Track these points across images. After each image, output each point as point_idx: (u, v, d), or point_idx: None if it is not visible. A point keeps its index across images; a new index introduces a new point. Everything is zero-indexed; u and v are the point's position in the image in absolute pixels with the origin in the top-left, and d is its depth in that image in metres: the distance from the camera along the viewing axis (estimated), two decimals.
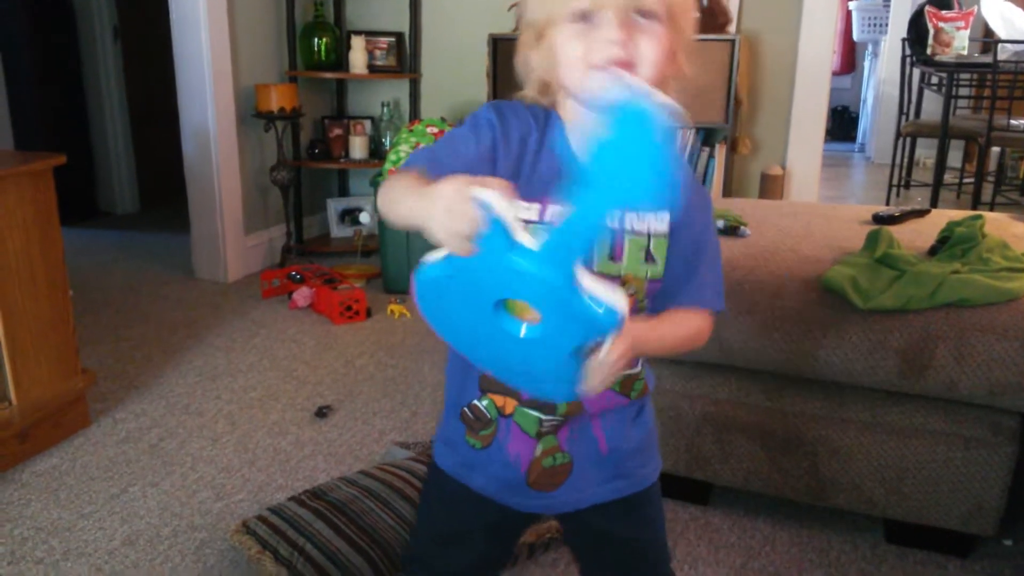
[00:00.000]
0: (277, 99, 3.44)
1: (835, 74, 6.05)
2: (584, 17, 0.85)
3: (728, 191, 3.44)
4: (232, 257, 3.56)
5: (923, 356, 1.56)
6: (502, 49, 3.28)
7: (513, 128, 0.91)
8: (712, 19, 3.32)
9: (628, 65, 0.85)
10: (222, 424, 2.30)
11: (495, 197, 0.69)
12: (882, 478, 1.67)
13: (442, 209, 0.70)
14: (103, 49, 4.64)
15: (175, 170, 3.64)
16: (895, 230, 1.94)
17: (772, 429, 1.73)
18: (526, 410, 0.98)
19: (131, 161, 4.87)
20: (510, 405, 0.99)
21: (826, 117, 3.52)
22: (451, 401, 1.05)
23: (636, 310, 0.95)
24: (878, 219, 2.12)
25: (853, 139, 7.36)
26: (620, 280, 0.94)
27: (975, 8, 4.70)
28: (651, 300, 0.97)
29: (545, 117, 0.93)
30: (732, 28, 3.38)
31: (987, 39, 4.93)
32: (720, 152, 3.34)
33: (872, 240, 1.79)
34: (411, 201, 0.76)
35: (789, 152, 3.50)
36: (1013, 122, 4.03)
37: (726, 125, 3.30)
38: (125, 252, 4.03)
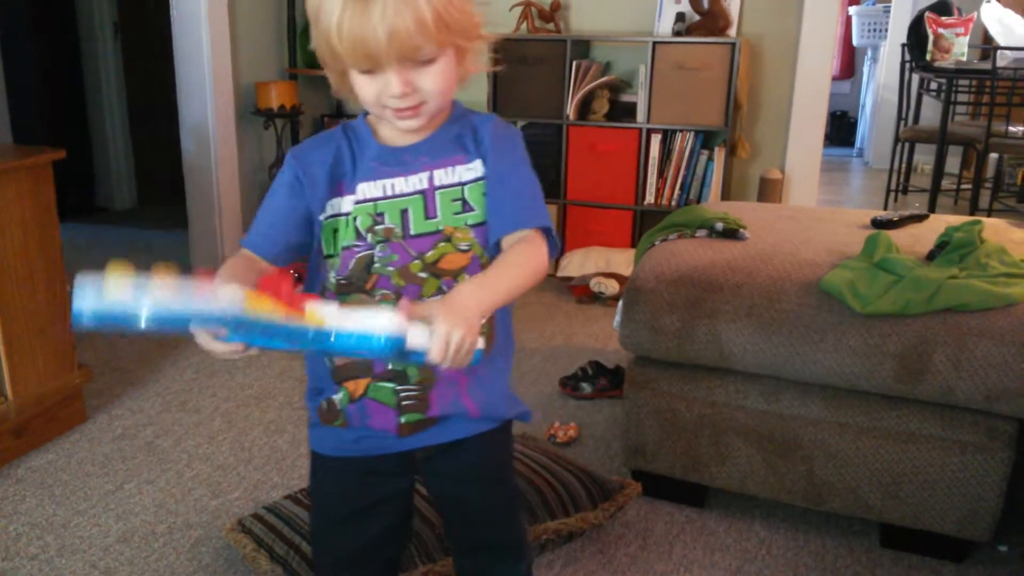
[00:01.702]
0: (277, 97, 3.44)
1: (834, 79, 6.05)
2: (370, 71, 0.93)
3: (727, 194, 3.45)
4: (230, 254, 3.54)
5: (920, 361, 1.56)
6: (502, 49, 3.28)
7: (314, 161, 1.02)
8: (713, 22, 3.33)
9: (415, 108, 0.95)
10: (218, 422, 2.29)
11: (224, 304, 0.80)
12: (878, 482, 1.67)
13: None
14: (103, 45, 4.64)
15: (174, 167, 3.64)
16: (894, 235, 1.94)
17: (769, 432, 1.73)
18: (380, 384, 1.04)
19: (130, 157, 4.87)
20: (362, 386, 1.05)
21: (825, 121, 3.52)
22: (310, 390, 1.11)
23: (479, 265, 1.01)
24: (877, 223, 2.12)
25: (852, 144, 7.37)
26: (441, 234, 1.01)
27: (975, 15, 4.70)
28: (487, 246, 1.02)
29: (352, 126, 1.05)
30: (732, 31, 3.39)
31: (986, 46, 4.94)
32: (719, 155, 3.35)
33: (871, 244, 1.79)
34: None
35: (788, 156, 3.51)
36: (1011, 128, 4.03)
37: (725, 128, 3.30)
38: (123, 248, 4.03)
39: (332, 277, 1.03)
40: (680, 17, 3.41)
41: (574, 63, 3.41)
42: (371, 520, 1.14)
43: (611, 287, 3.19)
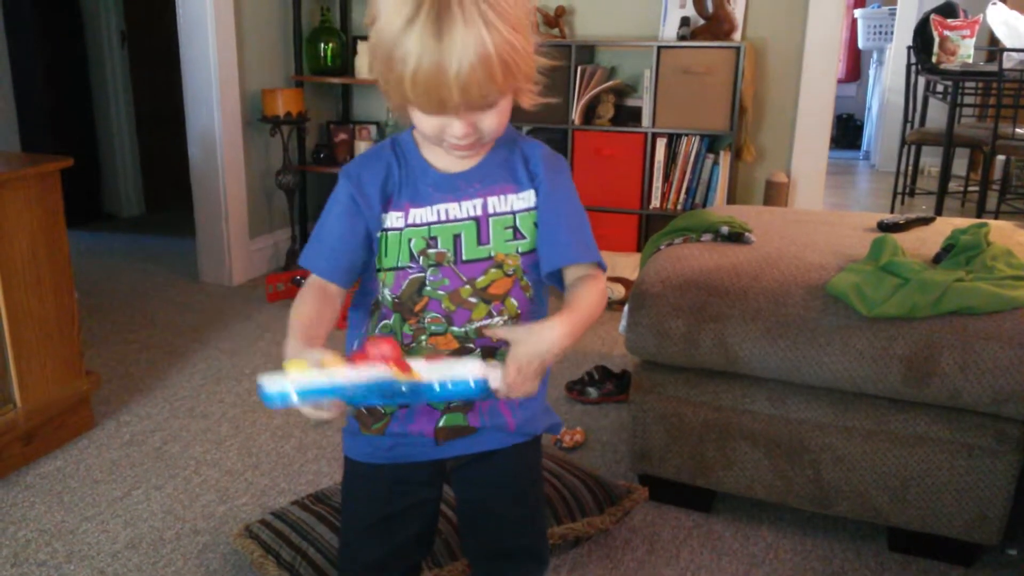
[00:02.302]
0: (283, 104, 3.45)
1: (840, 82, 6.04)
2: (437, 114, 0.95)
3: (732, 198, 3.44)
4: (237, 261, 3.56)
5: (927, 364, 1.55)
6: None
7: (366, 181, 1.04)
8: (717, 26, 3.33)
9: (472, 144, 0.98)
10: (226, 428, 2.30)
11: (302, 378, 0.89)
12: (886, 486, 1.67)
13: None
14: (110, 53, 4.67)
15: (180, 174, 3.65)
16: (900, 238, 1.94)
17: (776, 436, 1.73)
18: None
19: (136, 164, 4.89)
20: None
21: (831, 125, 3.52)
22: None
23: (519, 287, 1.05)
24: (883, 226, 2.12)
25: (858, 147, 7.36)
26: (492, 260, 1.04)
27: (980, 17, 4.70)
28: (531, 272, 1.06)
29: (400, 143, 1.07)
30: (737, 35, 3.39)
31: (992, 47, 4.93)
32: (725, 159, 3.34)
33: (877, 247, 1.78)
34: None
35: (794, 159, 3.51)
36: (1018, 131, 4.02)
37: (731, 132, 3.30)
38: (130, 255, 4.04)
39: (387, 294, 1.06)
40: (685, 21, 3.41)
41: (579, 68, 3.42)
42: (398, 527, 1.15)
43: (617, 291, 3.19)
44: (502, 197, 1.04)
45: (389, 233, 1.04)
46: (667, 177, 3.42)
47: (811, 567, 1.72)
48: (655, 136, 3.38)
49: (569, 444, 2.16)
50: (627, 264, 3.30)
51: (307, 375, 0.88)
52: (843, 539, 1.80)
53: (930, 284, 1.60)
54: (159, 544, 1.78)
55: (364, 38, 3.77)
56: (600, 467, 2.05)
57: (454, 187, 1.03)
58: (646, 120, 3.39)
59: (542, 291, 1.10)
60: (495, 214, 1.04)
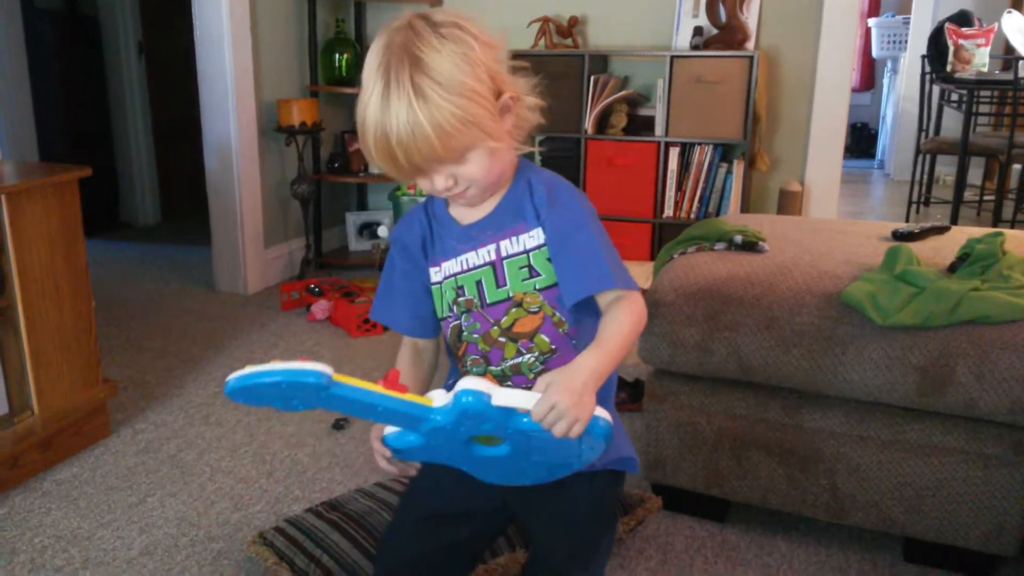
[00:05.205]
0: (298, 114, 3.48)
1: (854, 91, 6.03)
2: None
3: (746, 207, 3.44)
4: (252, 269, 3.59)
5: (943, 373, 1.55)
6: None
7: (408, 241, 1.14)
8: (730, 36, 3.33)
9: (462, 193, 1.03)
10: (240, 435, 2.31)
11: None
12: (901, 496, 1.66)
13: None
14: (128, 65, 4.72)
15: (197, 183, 3.69)
16: (915, 247, 1.93)
17: (790, 446, 1.72)
18: None
19: (153, 174, 4.94)
20: None
21: (845, 133, 3.51)
22: None
23: (551, 323, 1.07)
24: (898, 235, 2.11)
25: (872, 156, 7.34)
26: (511, 300, 1.07)
27: (995, 25, 4.68)
28: (560, 306, 1.07)
29: (432, 204, 1.15)
30: (751, 44, 3.39)
31: (1008, 56, 4.91)
32: (738, 168, 3.34)
33: (892, 256, 1.78)
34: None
35: (808, 168, 3.50)
36: None
37: (744, 141, 3.30)
38: (147, 264, 4.08)
39: (446, 342, 1.16)
40: (698, 31, 3.42)
41: (592, 78, 3.43)
42: (449, 528, 1.17)
43: None
44: (513, 239, 1.08)
45: (433, 287, 1.13)
46: (680, 186, 3.42)
47: None
48: (668, 145, 3.38)
49: None
50: (640, 273, 3.30)
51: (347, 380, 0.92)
52: (858, 550, 1.79)
53: (945, 293, 1.60)
54: (174, 551, 1.79)
55: None
56: None
57: (470, 237, 1.09)
58: (659, 129, 3.40)
59: (581, 320, 1.08)
60: (508, 256, 1.08)
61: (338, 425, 2.33)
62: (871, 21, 7.07)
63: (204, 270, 3.78)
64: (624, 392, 2.44)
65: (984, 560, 1.68)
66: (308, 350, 2.92)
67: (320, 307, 3.22)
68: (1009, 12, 4.66)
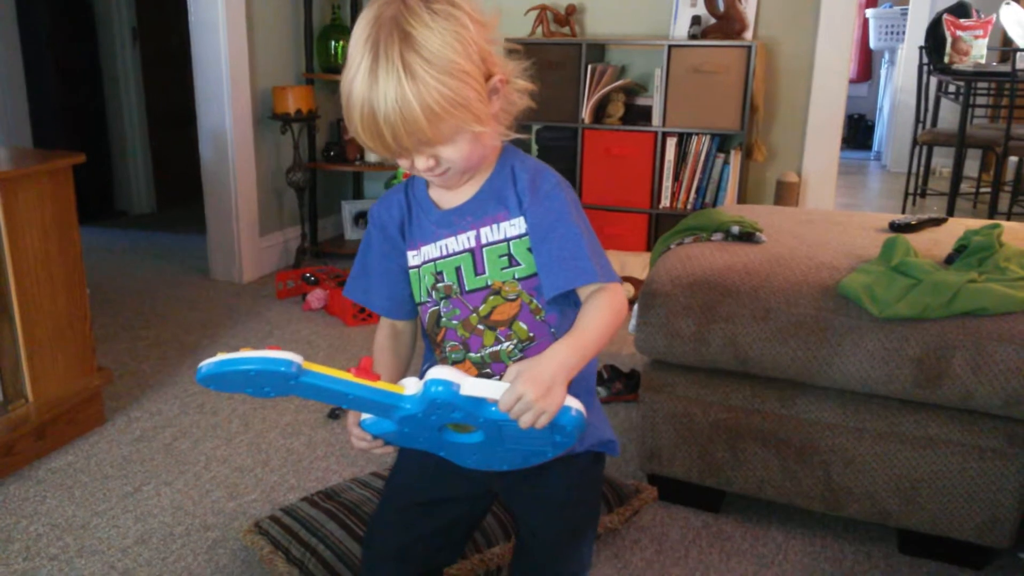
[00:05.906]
0: (293, 101, 3.46)
1: (851, 82, 6.02)
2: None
3: (743, 198, 3.44)
4: (247, 258, 3.57)
5: (939, 365, 1.55)
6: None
7: (387, 220, 1.12)
8: (728, 25, 3.32)
9: (443, 174, 1.01)
10: (236, 424, 2.31)
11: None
12: (896, 488, 1.66)
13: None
14: (122, 51, 4.69)
15: (191, 171, 3.67)
16: (912, 238, 1.93)
17: (786, 437, 1.72)
18: None
19: (148, 162, 4.92)
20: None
21: (842, 125, 3.51)
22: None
23: (529, 311, 1.06)
24: (895, 227, 2.11)
25: (869, 147, 7.33)
26: (489, 288, 1.06)
27: (994, 17, 4.67)
28: (539, 294, 1.05)
29: (413, 185, 1.13)
30: (748, 34, 3.38)
31: (1005, 48, 4.90)
32: (735, 158, 3.34)
33: (889, 248, 1.78)
34: None
35: (805, 159, 3.49)
36: None
37: (741, 131, 3.29)
38: (141, 252, 4.06)
39: (423, 327, 1.14)
40: (696, 20, 3.41)
41: (589, 66, 3.41)
42: (437, 513, 1.17)
43: (626, 291, 3.18)
44: (494, 226, 1.05)
45: (411, 271, 1.11)
46: (677, 176, 3.42)
47: (820, 569, 1.71)
48: (665, 135, 3.38)
49: None
50: (637, 263, 3.30)
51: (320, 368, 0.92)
52: (853, 541, 1.80)
53: (942, 285, 1.60)
54: (169, 539, 1.79)
55: None
56: (609, 466, 2.05)
57: (450, 222, 1.07)
58: (656, 119, 3.39)
59: (563, 310, 1.07)
60: (488, 244, 1.06)
61: (334, 414, 2.33)
62: (869, 12, 7.05)
63: (199, 258, 3.77)
64: (620, 382, 2.44)
65: (978, 552, 1.69)
66: (304, 339, 2.91)
67: (316, 296, 3.21)
68: (1007, 4, 4.65)
